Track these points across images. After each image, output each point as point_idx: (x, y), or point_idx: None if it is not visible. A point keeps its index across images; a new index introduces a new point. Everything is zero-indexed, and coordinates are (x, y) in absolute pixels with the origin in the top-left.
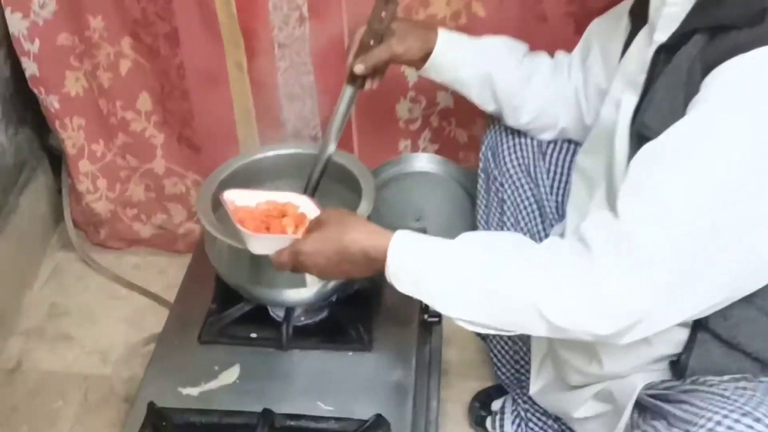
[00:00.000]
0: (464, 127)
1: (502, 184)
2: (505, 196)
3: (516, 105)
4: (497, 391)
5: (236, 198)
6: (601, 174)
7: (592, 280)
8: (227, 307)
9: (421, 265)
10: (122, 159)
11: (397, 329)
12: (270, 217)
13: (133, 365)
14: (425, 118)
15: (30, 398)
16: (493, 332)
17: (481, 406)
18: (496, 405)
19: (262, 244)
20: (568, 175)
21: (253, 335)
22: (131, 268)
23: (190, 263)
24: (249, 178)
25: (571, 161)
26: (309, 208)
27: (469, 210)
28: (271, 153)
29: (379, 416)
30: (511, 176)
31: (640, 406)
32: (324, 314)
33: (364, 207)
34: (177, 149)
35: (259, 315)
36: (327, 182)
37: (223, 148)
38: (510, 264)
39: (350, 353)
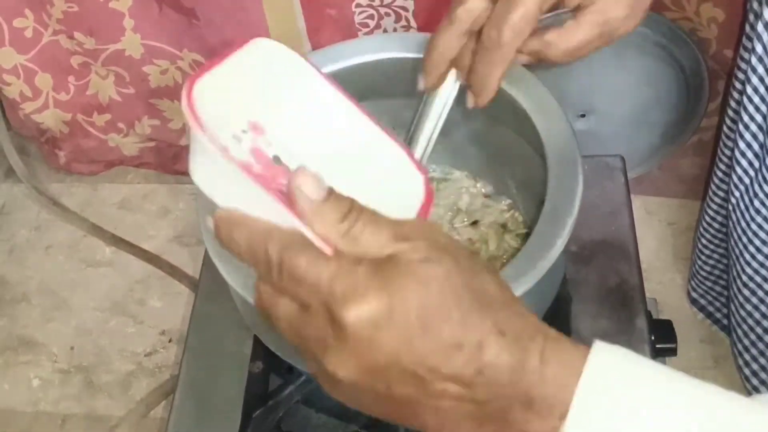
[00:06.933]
0: None
1: None
2: None
3: None
4: None
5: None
6: None
7: None
8: (282, 375)
9: None
10: (68, 39)
11: None
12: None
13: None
14: None
15: None
16: None
17: None
18: None
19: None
20: None
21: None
22: (116, 207)
23: (202, 271)
24: None
25: None
26: (409, 185)
27: (682, 100)
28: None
29: None
30: None
31: None
32: None
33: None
34: (157, 15)
35: None
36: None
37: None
38: None
39: None
